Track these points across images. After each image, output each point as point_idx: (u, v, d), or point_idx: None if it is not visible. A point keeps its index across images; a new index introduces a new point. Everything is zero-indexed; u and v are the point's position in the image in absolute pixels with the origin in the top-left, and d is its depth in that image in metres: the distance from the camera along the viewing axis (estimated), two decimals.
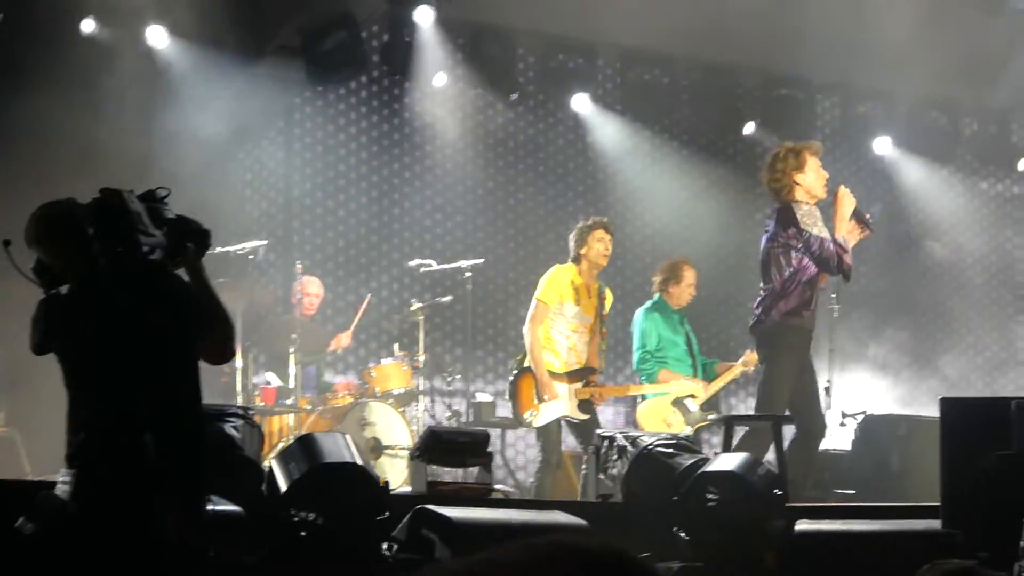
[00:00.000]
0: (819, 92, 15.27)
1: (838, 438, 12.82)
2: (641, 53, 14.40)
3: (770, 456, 9.73)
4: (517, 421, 11.32)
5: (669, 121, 14.95)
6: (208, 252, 5.92)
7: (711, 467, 8.53)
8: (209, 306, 5.85)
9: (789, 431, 9.92)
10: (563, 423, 11.17)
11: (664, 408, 11.66)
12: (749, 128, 14.92)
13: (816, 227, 9.99)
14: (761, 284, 10.26)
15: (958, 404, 8.70)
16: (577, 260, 11.31)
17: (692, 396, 11.69)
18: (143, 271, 5.63)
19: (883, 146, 15.52)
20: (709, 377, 12.01)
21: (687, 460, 8.78)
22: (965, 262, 16.45)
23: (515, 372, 11.28)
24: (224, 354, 6.05)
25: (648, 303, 12.08)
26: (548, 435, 11.07)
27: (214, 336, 5.86)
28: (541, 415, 11.02)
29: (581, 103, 14.28)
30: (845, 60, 14.31)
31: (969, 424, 8.17)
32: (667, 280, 11.97)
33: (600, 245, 11.24)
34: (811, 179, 10.10)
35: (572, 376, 11.21)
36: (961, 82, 15.13)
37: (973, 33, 14.73)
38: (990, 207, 16.56)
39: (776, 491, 8.40)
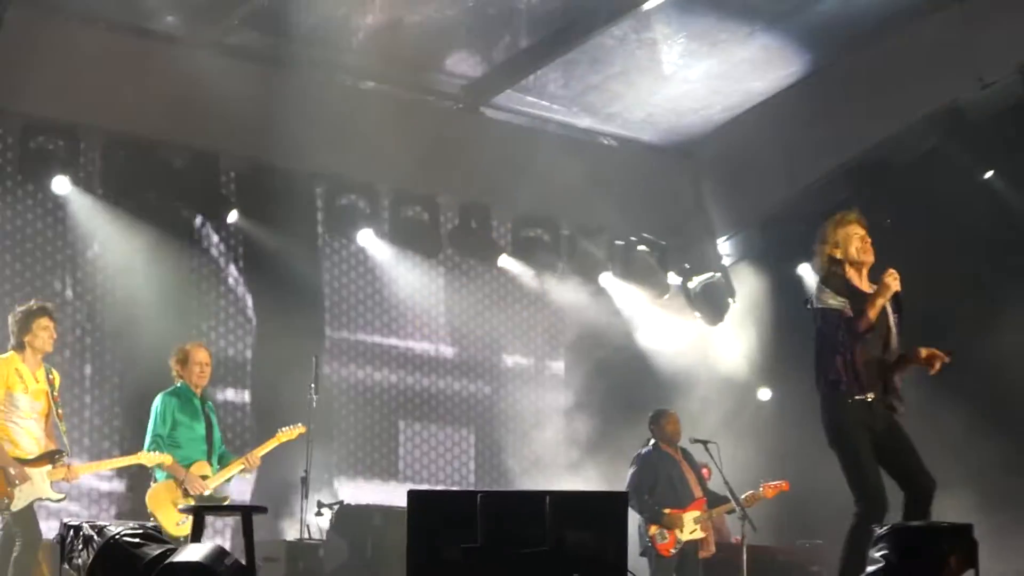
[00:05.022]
0: (307, 181, 15.34)
1: (315, 528, 12.88)
2: (123, 137, 14.16)
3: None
4: None
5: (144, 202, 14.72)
6: None
7: (178, 557, 8.39)
8: None
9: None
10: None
11: (174, 491, 11.75)
12: (233, 217, 14.91)
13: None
14: None
15: (425, 496, 8.84)
16: (20, 348, 11.34)
17: (205, 478, 11.86)
18: None
19: (366, 238, 15.73)
20: (224, 465, 12.12)
21: (154, 550, 8.62)
22: (442, 356, 16.85)
23: None
24: None
25: (170, 387, 12.10)
26: (26, 519, 11.08)
27: None
28: (17, 499, 11.02)
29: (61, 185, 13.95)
30: (331, 151, 14.52)
31: (436, 516, 8.25)
32: (178, 363, 12.06)
33: (45, 333, 11.35)
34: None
35: (39, 460, 11.21)
36: (439, 177, 15.60)
37: (450, 129, 15.28)
38: (469, 300, 16.99)
39: None
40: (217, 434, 12.20)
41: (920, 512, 9.22)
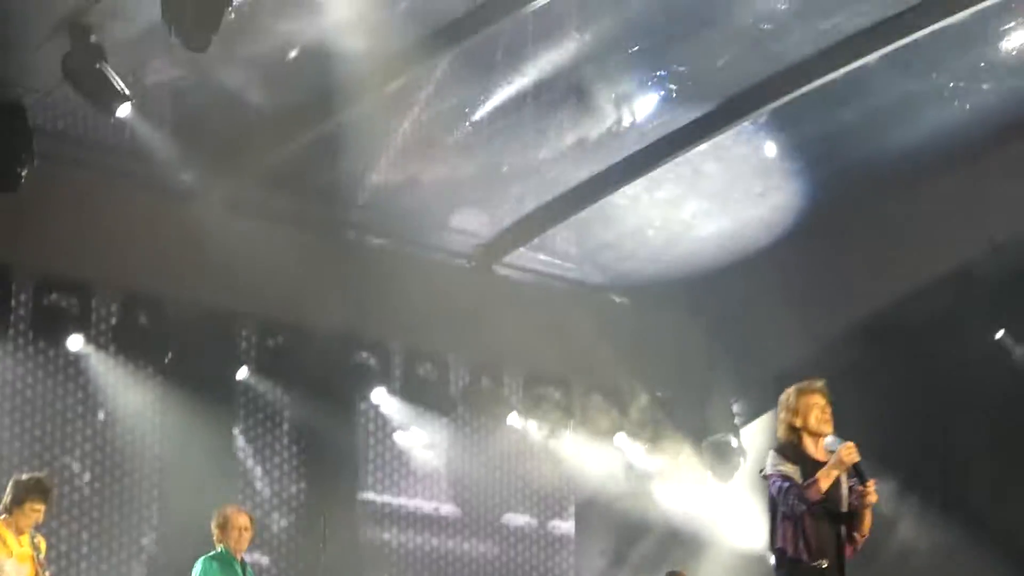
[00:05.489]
0: (321, 340, 15.23)
1: None
2: (137, 294, 14.13)
3: None
4: None
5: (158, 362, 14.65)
6: None
7: None
8: None
9: None
10: None
11: None
12: (245, 374, 14.85)
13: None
14: None
15: None
16: (8, 512, 11.13)
17: None
18: None
19: (379, 397, 15.69)
20: None
21: None
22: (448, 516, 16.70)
23: None
24: None
25: (211, 552, 11.80)
26: None
27: None
28: None
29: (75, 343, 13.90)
30: (344, 309, 14.51)
31: None
32: (219, 527, 11.79)
33: (34, 515, 11.11)
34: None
35: None
36: (450, 334, 15.55)
37: (461, 286, 15.29)
38: (480, 459, 16.84)
39: None
40: None
41: None
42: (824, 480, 8.98)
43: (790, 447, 9.24)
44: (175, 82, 13.42)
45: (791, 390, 9.38)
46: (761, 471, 9.26)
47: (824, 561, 9.03)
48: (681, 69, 14.17)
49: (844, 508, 9.17)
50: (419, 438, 16.21)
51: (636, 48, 13.94)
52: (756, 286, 16.58)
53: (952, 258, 15.88)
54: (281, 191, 14.51)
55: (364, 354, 15.43)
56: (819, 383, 9.43)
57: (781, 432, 9.34)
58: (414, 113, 14.23)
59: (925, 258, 15.88)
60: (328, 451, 15.52)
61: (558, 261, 16.28)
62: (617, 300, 16.92)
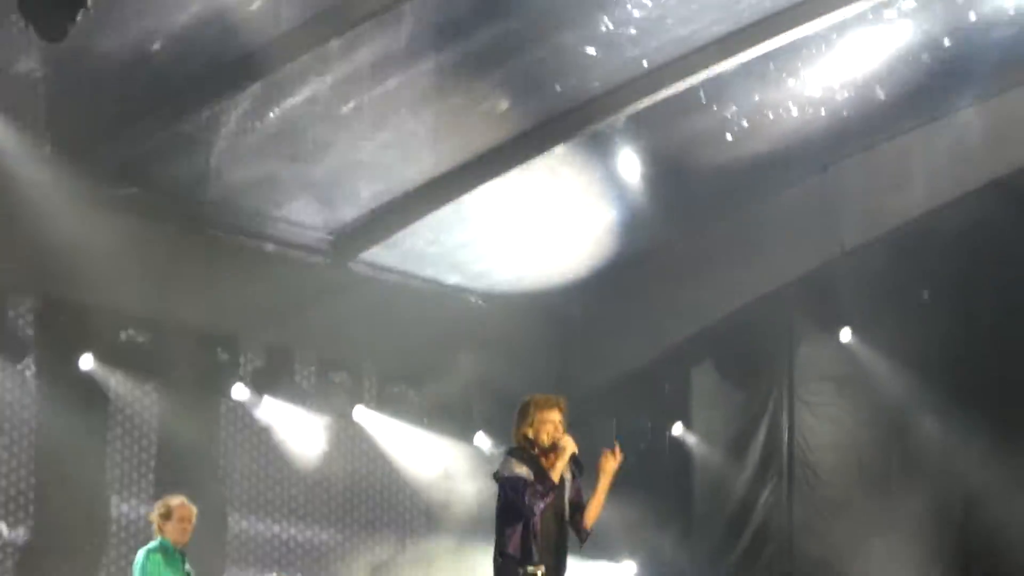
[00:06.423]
0: None
1: None
2: None
3: None
4: None
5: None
6: None
7: None
8: None
9: None
10: None
11: None
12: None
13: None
14: None
15: None
16: None
17: None
18: None
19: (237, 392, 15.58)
20: None
21: None
22: None
23: None
24: None
25: (151, 544, 11.68)
26: None
27: None
28: None
29: None
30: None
31: None
32: (162, 517, 11.70)
33: None
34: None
35: None
36: (305, 331, 15.46)
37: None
38: None
39: None
40: None
41: None
42: (555, 471, 9.26)
43: (523, 452, 9.45)
44: (30, 73, 13.18)
45: (529, 400, 9.55)
46: (495, 473, 9.47)
47: (542, 568, 9.29)
48: (535, 72, 14.16)
49: (567, 508, 9.43)
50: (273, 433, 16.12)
51: (490, 45, 13.86)
52: (609, 291, 16.73)
53: (803, 263, 16.16)
54: (133, 186, 14.31)
55: (219, 350, 15.32)
56: (558, 399, 9.58)
57: (515, 438, 9.53)
58: (269, 110, 14.11)
59: (777, 263, 16.15)
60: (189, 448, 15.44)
61: (414, 259, 16.25)
62: (472, 300, 16.93)
